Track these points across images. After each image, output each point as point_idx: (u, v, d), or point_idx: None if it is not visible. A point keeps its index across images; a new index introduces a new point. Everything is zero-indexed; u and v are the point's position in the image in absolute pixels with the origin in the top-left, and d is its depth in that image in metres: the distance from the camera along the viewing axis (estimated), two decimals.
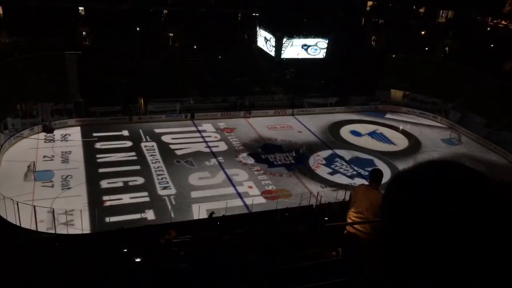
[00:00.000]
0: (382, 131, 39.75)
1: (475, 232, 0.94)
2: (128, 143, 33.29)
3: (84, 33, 41.74)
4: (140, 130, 35.62)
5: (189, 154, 32.26)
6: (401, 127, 41.12)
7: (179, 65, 41.71)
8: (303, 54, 36.40)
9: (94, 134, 33.80)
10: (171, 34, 45.13)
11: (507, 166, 33.99)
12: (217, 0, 46.07)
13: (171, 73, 40.30)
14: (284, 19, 35.55)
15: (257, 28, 39.00)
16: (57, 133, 33.81)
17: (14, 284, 9.68)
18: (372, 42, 51.41)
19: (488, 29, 49.71)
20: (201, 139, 35.36)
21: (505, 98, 37.39)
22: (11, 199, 21.54)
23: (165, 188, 27.52)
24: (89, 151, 31.39)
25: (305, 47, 36.15)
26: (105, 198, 25.64)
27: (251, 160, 32.22)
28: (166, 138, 34.59)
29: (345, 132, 39.02)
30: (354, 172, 31.57)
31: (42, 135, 33.28)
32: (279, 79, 44.58)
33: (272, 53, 36.60)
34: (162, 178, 28.62)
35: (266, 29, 37.19)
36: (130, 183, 27.54)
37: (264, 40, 37.61)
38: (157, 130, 35.84)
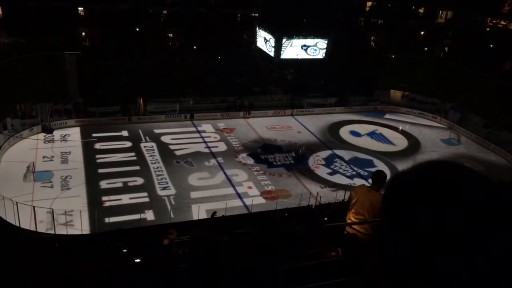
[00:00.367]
0: (382, 132, 39.76)
1: (474, 232, 0.95)
2: (128, 144, 33.28)
3: (83, 33, 41.74)
4: (140, 131, 35.61)
5: (189, 154, 32.25)
6: (400, 128, 41.13)
7: (179, 66, 41.71)
8: (302, 55, 36.42)
9: (94, 135, 33.77)
10: (170, 35, 45.14)
11: (507, 166, 34.00)
12: (216, 1, 46.09)
13: (170, 73, 40.31)
14: (284, 19, 35.55)
15: (257, 28, 39.02)
16: (57, 133, 33.79)
17: (14, 284, 9.68)
18: (372, 43, 51.43)
19: (488, 29, 49.76)
20: (200, 140, 35.35)
21: (504, 98, 37.43)
22: (11, 200, 21.53)
23: (164, 188, 27.51)
24: (89, 152, 31.37)
25: (305, 47, 36.16)
26: (104, 198, 25.63)
27: (250, 161, 32.21)
28: (165, 139, 34.58)
29: (344, 132, 39.02)
30: (354, 173, 31.58)
31: (41, 135, 33.25)
32: (279, 79, 44.59)
33: (272, 54, 36.61)
34: (161, 179, 28.61)
35: (266, 29, 37.20)
36: (130, 184, 27.53)
37: (264, 41, 37.62)
38: (157, 131, 35.83)
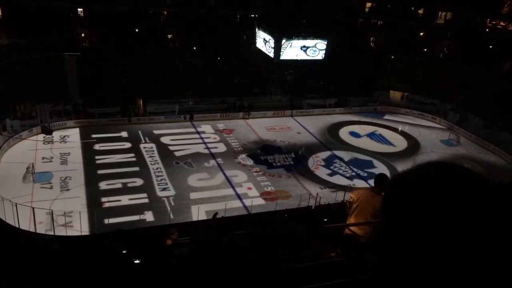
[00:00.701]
0: (381, 132, 39.77)
1: (474, 233, 0.95)
2: (127, 145, 33.27)
3: (83, 34, 41.77)
4: (139, 131, 35.61)
5: (188, 155, 32.25)
6: (400, 128, 41.15)
7: (178, 66, 41.73)
8: (302, 55, 36.44)
9: (93, 136, 33.75)
10: (170, 35, 45.17)
11: (506, 167, 34.02)
12: (216, 1, 46.12)
13: (170, 74, 40.33)
14: (283, 20, 35.58)
15: (256, 29, 39.04)
16: (56, 134, 33.79)
17: (13, 285, 9.67)
18: (371, 43, 51.48)
19: (487, 30, 49.82)
20: (200, 140, 35.34)
21: (504, 99, 37.45)
22: (10, 201, 21.50)
23: (164, 189, 27.50)
24: (88, 153, 31.36)
25: (304, 48, 36.19)
26: (104, 199, 25.62)
27: (250, 161, 32.21)
28: (165, 139, 34.58)
29: (344, 133, 39.04)
30: (353, 173, 31.58)
31: (41, 136, 33.25)
32: (278, 80, 44.62)
33: (271, 54, 36.64)
34: (161, 180, 28.60)
35: (265, 30, 37.22)
36: (129, 185, 27.51)
37: (263, 41, 37.64)
38: (156, 131, 35.83)
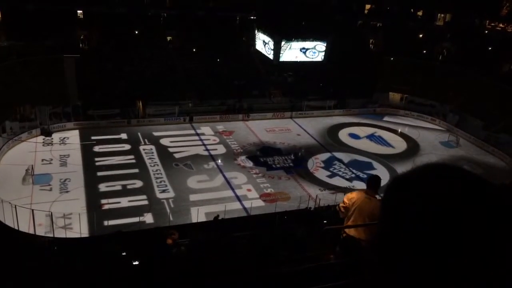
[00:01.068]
0: (381, 134, 39.78)
1: (474, 234, 0.95)
2: (127, 146, 33.26)
3: (82, 36, 41.77)
4: (139, 133, 35.59)
5: (188, 157, 32.24)
6: (399, 130, 41.15)
7: (178, 68, 41.74)
8: (301, 57, 36.47)
9: (93, 138, 33.73)
10: (169, 37, 45.19)
11: (505, 168, 34.01)
12: (215, 3, 46.15)
13: (169, 76, 40.33)
14: (283, 22, 35.61)
15: (256, 31, 39.06)
16: (56, 136, 33.77)
17: (13, 287, 9.66)
18: (370, 45, 51.52)
19: (486, 32, 49.88)
20: (199, 142, 35.34)
21: (503, 100, 37.48)
22: (9, 203, 21.47)
23: (163, 191, 27.47)
24: (88, 155, 31.34)
25: (303, 50, 36.22)
26: (103, 201, 25.59)
27: (249, 163, 32.20)
28: (164, 141, 34.57)
29: (343, 135, 39.04)
30: (353, 175, 31.57)
31: (40, 138, 33.23)
32: (278, 82, 44.63)
33: (271, 56, 36.65)
34: (160, 181, 28.58)
35: (265, 32, 37.25)
36: (129, 187, 27.49)
37: (263, 43, 37.67)
38: (156, 133, 35.82)
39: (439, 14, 52.17)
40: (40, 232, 21.42)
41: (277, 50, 35.63)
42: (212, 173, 30.20)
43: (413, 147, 37.36)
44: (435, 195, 1.01)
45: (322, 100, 43.99)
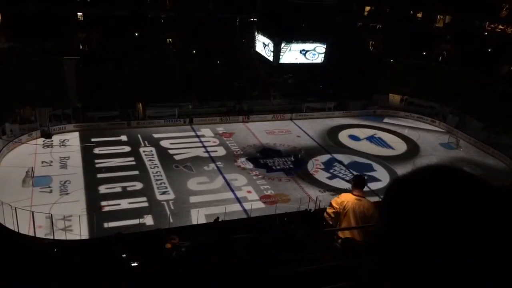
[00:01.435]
0: (381, 136, 39.79)
1: (475, 235, 0.95)
2: (127, 148, 33.26)
3: (82, 38, 41.81)
4: (139, 135, 35.59)
5: (188, 159, 32.24)
6: (399, 132, 41.16)
7: (178, 70, 41.76)
8: (301, 59, 36.48)
9: (93, 139, 33.77)
10: (169, 39, 45.23)
11: (505, 170, 34.01)
12: (215, 5, 46.20)
13: (169, 78, 40.35)
14: (282, 24, 35.62)
15: (256, 33, 39.09)
16: (56, 138, 33.77)
17: None
18: (370, 47, 51.56)
19: (486, 33, 49.91)
20: (199, 144, 35.35)
21: (503, 102, 37.48)
22: (9, 205, 21.48)
23: (164, 193, 27.46)
24: (87, 157, 31.35)
25: (303, 52, 36.23)
26: (103, 203, 25.58)
27: (249, 165, 32.20)
28: (164, 143, 34.57)
29: (343, 136, 39.05)
30: (353, 177, 31.54)
31: (40, 140, 33.23)
32: (278, 83, 44.66)
33: (271, 58, 36.67)
34: (160, 183, 28.57)
35: (265, 34, 37.27)
36: (129, 189, 27.48)
37: (263, 45, 37.68)
38: (156, 135, 35.82)
39: (438, 16, 52.20)
40: (40, 234, 21.42)
41: (277, 52, 35.65)
42: (212, 175, 30.19)
43: (413, 149, 37.37)
44: (435, 196, 1.01)
45: (322, 101, 44.02)
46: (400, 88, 44.76)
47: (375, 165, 33.37)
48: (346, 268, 6.33)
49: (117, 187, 27.41)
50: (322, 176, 31.42)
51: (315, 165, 33.05)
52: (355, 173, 31.92)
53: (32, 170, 27.69)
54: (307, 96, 43.36)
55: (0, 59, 34.47)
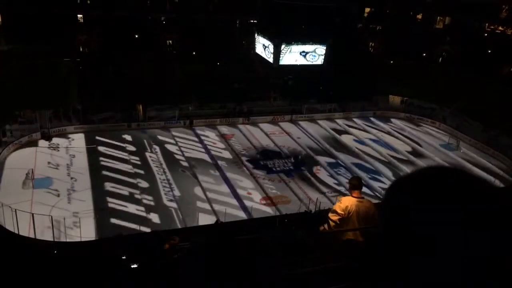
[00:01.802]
0: (381, 137, 39.80)
1: (476, 235, 0.95)
2: (127, 150, 33.25)
3: (82, 40, 41.87)
4: (139, 137, 35.60)
5: (188, 160, 32.22)
6: (399, 133, 41.17)
7: (178, 72, 41.78)
8: (301, 61, 36.56)
9: (93, 141, 33.79)
10: (169, 41, 45.29)
11: (506, 171, 34.00)
12: (215, 7, 46.27)
13: (169, 79, 40.37)
14: (282, 26, 35.70)
15: (256, 34, 39.18)
16: (56, 140, 33.76)
17: None
18: (370, 48, 51.60)
19: (486, 34, 49.97)
20: (199, 146, 35.35)
21: (503, 103, 37.49)
22: (10, 207, 21.47)
23: (165, 195, 27.42)
24: (87, 159, 31.32)
25: (303, 53, 36.33)
26: (103, 206, 25.54)
27: (250, 166, 32.20)
28: (164, 145, 34.59)
29: (343, 138, 39.06)
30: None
31: (40, 142, 33.22)
32: (278, 85, 44.67)
33: (271, 60, 36.75)
34: (161, 185, 28.53)
35: (265, 35, 37.38)
36: (130, 191, 27.44)
37: (263, 47, 37.79)
38: (156, 137, 35.84)
39: (438, 17, 52.27)
40: (40, 236, 21.40)
41: (277, 53, 35.76)
42: (212, 176, 30.18)
43: (413, 150, 37.35)
44: (435, 197, 1.01)
45: (322, 103, 44.03)
46: (400, 89, 44.78)
47: (375, 167, 33.35)
48: (347, 269, 6.33)
49: (117, 189, 27.38)
50: (322, 177, 31.41)
51: (315, 167, 33.05)
52: (355, 174, 31.96)
53: (32, 172, 27.69)
54: (307, 97, 43.37)
55: (1, 61, 34.49)
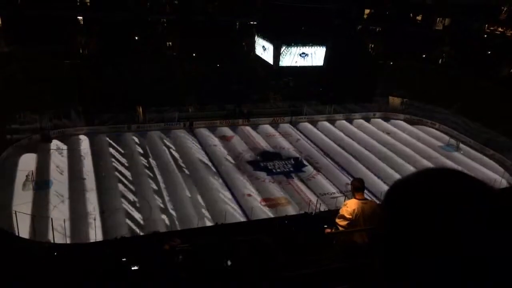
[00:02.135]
0: (380, 138, 39.79)
1: (476, 236, 0.96)
2: (127, 151, 33.24)
3: (83, 41, 41.87)
4: (139, 139, 35.60)
5: (188, 162, 32.21)
6: (399, 134, 41.17)
7: (178, 74, 41.79)
8: (301, 62, 36.54)
9: (92, 143, 33.79)
10: (169, 43, 45.30)
11: (505, 172, 33.98)
12: (215, 9, 46.27)
13: (169, 81, 40.36)
14: (282, 27, 35.71)
15: (255, 36, 39.20)
16: (56, 142, 33.75)
17: None
18: (370, 50, 51.63)
19: (485, 36, 50.00)
20: (199, 147, 35.33)
21: (502, 104, 37.50)
22: (10, 209, 21.47)
23: (166, 196, 27.40)
24: (88, 160, 31.32)
25: (303, 55, 36.30)
26: (103, 207, 25.54)
27: (250, 168, 32.19)
28: (164, 146, 34.58)
29: (343, 139, 39.03)
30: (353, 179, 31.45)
31: (40, 144, 33.20)
32: (278, 86, 44.69)
33: (271, 61, 36.74)
34: (161, 186, 28.52)
35: (264, 37, 37.37)
36: (130, 193, 27.44)
37: (262, 49, 37.79)
38: (156, 138, 35.83)
39: (438, 19, 52.30)
40: (40, 237, 21.38)
41: (276, 55, 35.73)
42: (212, 178, 30.16)
43: (413, 151, 37.31)
44: (435, 199, 1.02)
45: (322, 104, 44.05)
46: (400, 90, 44.81)
47: (375, 167, 33.29)
48: (348, 270, 6.34)
49: (117, 190, 27.39)
50: (322, 179, 31.40)
51: (315, 168, 33.03)
52: (355, 175, 31.94)
53: (32, 173, 27.67)
54: (307, 99, 43.38)
55: (1, 62, 34.48)
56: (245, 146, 35.95)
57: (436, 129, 42.77)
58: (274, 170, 32.24)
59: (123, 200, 26.44)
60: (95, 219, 23.42)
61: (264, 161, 33.41)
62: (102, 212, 25.00)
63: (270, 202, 27.55)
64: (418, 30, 50.64)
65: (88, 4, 43.45)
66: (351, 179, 30.98)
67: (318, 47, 36.49)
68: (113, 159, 31.76)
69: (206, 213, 25.11)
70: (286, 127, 41.26)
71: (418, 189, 1.07)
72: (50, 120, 34.66)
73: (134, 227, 23.22)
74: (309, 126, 41.68)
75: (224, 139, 37.24)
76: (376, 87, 45.06)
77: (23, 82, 33.56)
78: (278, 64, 36.06)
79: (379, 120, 44.55)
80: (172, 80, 40.58)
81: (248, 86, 42.69)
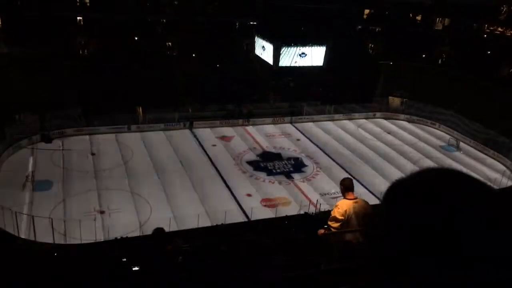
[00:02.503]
0: (380, 138, 39.80)
1: (475, 236, 0.96)
2: (127, 152, 33.25)
3: (82, 42, 41.87)
4: (139, 139, 35.60)
5: (188, 162, 32.21)
6: (399, 134, 41.18)
7: (177, 74, 41.80)
8: (300, 62, 36.56)
9: (92, 144, 33.78)
10: (169, 43, 45.30)
11: (505, 172, 33.99)
12: (214, 9, 46.27)
13: (169, 82, 40.38)
14: (282, 27, 35.74)
15: (255, 36, 39.22)
16: (56, 142, 33.75)
17: None
18: (369, 50, 51.64)
19: (485, 36, 49.99)
20: (200, 148, 35.34)
21: (502, 104, 37.50)
22: (10, 209, 21.45)
23: (166, 196, 27.40)
24: (87, 161, 31.32)
25: (303, 55, 36.32)
26: (103, 208, 25.54)
27: (250, 168, 32.19)
28: (164, 147, 34.58)
29: (343, 139, 39.05)
30: (353, 180, 31.44)
31: (40, 145, 33.21)
32: (277, 87, 44.70)
33: (270, 61, 36.76)
34: (161, 186, 28.53)
35: (264, 37, 37.39)
36: (130, 193, 27.45)
37: (262, 49, 37.81)
38: (156, 139, 35.83)
39: (438, 19, 52.29)
40: (40, 238, 21.37)
41: (276, 55, 35.76)
42: (212, 179, 30.16)
43: (413, 151, 37.33)
44: (434, 199, 1.02)
45: (322, 104, 44.07)
46: (400, 90, 44.82)
47: (376, 168, 33.30)
48: (346, 271, 6.33)
49: (117, 191, 27.39)
50: (322, 179, 31.40)
51: (315, 168, 33.04)
52: (354, 175, 31.92)
53: (32, 174, 27.68)
54: (307, 99, 43.40)
55: (0, 63, 34.47)
56: (245, 146, 35.95)
57: (436, 129, 42.80)
58: (274, 171, 32.24)
59: (123, 200, 26.44)
60: (95, 219, 23.42)
61: (264, 161, 33.42)
62: (102, 212, 25.02)
63: (270, 202, 27.56)
64: (418, 30, 50.63)
65: (88, 4, 43.43)
66: (352, 179, 30.95)
67: (318, 47, 36.50)
68: (113, 160, 31.75)
69: (206, 213, 25.08)
70: (286, 127, 41.28)
71: (418, 189, 1.07)
72: (50, 120, 34.65)
73: (134, 227, 23.18)
74: (309, 126, 41.69)
75: (224, 139, 37.25)
76: (376, 87, 45.08)
77: (23, 83, 33.53)
78: (278, 64, 36.09)
79: (379, 120, 44.56)
80: (172, 80, 40.60)
81: (248, 86, 42.70)
